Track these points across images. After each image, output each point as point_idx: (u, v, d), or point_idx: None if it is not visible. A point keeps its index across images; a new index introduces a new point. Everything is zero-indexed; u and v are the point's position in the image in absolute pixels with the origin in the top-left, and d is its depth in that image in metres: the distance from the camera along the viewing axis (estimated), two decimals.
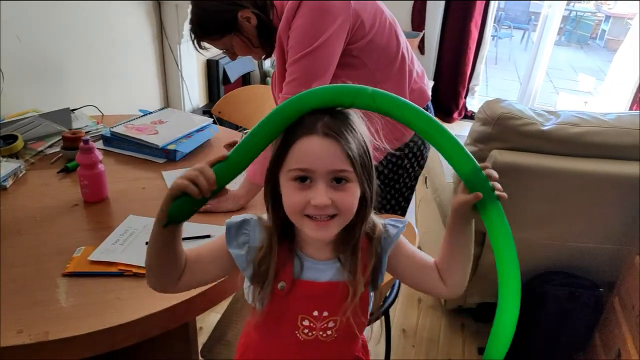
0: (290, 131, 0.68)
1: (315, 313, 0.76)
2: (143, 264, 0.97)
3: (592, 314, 1.68)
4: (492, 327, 0.69)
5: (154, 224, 0.68)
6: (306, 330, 0.77)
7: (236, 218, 0.76)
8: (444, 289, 0.80)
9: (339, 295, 0.74)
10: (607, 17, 8.60)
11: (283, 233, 0.74)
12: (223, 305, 1.34)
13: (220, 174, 0.67)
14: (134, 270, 0.99)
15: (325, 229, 0.69)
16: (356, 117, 0.71)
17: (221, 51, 1.40)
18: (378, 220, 0.78)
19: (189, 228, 1.00)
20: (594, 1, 9.03)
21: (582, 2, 9.13)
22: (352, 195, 0.69)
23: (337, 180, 0.68)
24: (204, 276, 0.78)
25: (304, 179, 0.68)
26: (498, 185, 0.69)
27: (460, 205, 0.71)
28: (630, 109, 3.60)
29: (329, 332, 0.77)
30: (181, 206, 0.65)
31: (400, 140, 1.42)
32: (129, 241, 1.08)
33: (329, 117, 0.67)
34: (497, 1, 4.18)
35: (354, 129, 0.68)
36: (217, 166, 0.67)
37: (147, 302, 0.91)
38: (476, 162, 0.68)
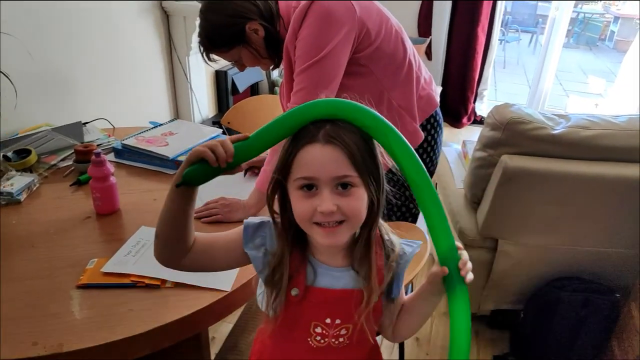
0: (294, 141, 0.69)
1: (328, 320, 0.76)
2: (156, 275, 0.99)
3: (608, 320, 1.66)
4: None
5: (169, 190, 0.71)
6: (318, 337, 0.77)
7: (254, 219, 0.78)
8: (390, 331, 0.85)
9: (352, 302, 0.75)
10: (616, 18, 8.52)
11: (296, 240, 0.75)
12: (235, 315, 1.34)
13: (239, 150, 0.70)
14: (147, 281, 0.99)
15: (334, 235, 0.70)
16: None
17: (230, 62, 1.41)
18: (396, 239, 0.79)
19: None
20: (602, 2, 8.97)
21: (590, 3, 9.07)
22: (358, 200, 0.69)
23: (343, 185, 0.68)
24: (213, 262, 0.80)
25: (309, 187, 0.68)
26: (467, 267, 0.70)
27: (431, 276, 0.74)
28: None
29: (341, 339, 0.77)
30: (196, 170, 0.69)
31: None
32: (141, 252, 1.08)
33: (330, 125, 0.68)
34: (504, 2, 4.16)
35: (357, 133, 0.69)
36: (237, 144, 0.70)
37: (159, 313, 0.92)
38: (454, 241, 0.71)
